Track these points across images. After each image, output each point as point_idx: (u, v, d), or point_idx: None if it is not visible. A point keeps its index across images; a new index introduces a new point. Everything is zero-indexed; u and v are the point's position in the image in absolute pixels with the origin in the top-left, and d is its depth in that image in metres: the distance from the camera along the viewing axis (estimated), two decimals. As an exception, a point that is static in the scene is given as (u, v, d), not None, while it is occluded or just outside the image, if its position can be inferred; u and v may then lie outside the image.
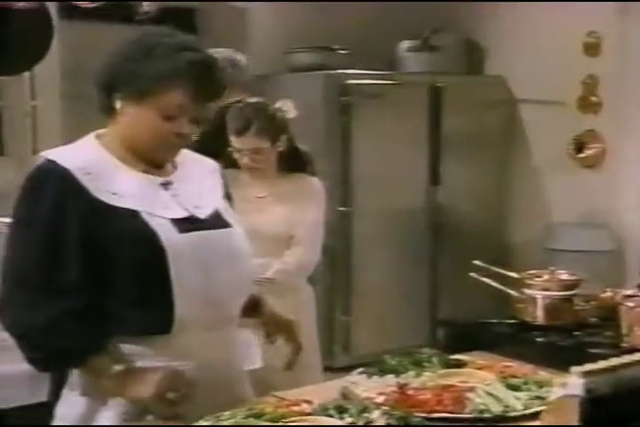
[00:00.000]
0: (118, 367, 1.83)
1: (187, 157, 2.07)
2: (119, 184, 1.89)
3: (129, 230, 1.86)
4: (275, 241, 3.03)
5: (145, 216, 1.88)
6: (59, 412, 1.95)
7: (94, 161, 1.90)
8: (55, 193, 1.84)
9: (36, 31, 3.89)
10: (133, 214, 1.88)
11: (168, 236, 1.87)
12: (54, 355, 1.85)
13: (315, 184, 3.15)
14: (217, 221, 2.00)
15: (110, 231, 1.84)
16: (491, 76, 5.53)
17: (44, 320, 1.81)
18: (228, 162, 3.13)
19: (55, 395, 1.97)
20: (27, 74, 4.35)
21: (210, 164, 2.15)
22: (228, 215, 2.05)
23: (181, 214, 1.94)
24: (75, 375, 1.91)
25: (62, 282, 1.83)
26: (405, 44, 5.31)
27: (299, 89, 4.68)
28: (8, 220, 3.23)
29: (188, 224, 1.92)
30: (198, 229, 1.93)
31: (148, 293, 1.87)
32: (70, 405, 1.92)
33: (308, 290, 3.20)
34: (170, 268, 1.85)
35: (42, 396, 2.68)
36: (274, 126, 3.05)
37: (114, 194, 1.88)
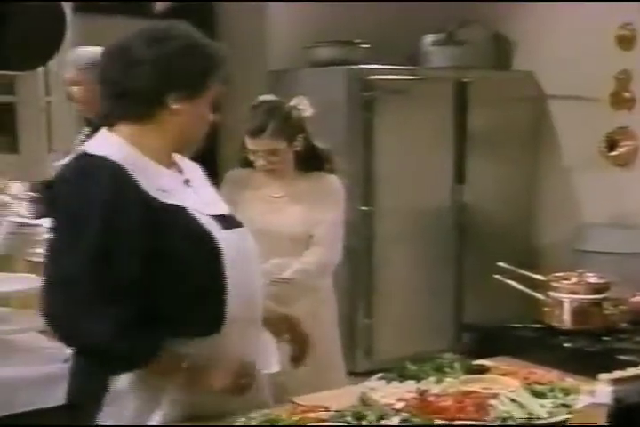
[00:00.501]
0: (187, 364, 1.85)
1: (181, 160, 2.10)
2: (160, 180, 1.92)
3: (184, 228, 1.88)
4: (293, 242, 3.04)
5: (194, 213, 1.91)
6: (106, 413, 1.93)
7: (133, 157, 1.91)
8: (108, 191, 1.82)
9: (48, 26, 3.91)
10: (183, 211, 1.90)
11: (216, 233, 1.91)
12: (123, 359, 1.85)
13: (334, 182, 3.14)
14: (235, 220, 2.05)
15: (166, 230, 1.85)
16: (519, 71, 5.50)
17: (108, 326, 1.79)
18: (243, 161, 3.16)
19: (97, 399, 1.94)
20: (41, 69, 4.38)
21: (197, 166, 2.17)
22: (233, 213, 2.10)
23: (218, 211, 1.99)
24: (125, 378, 1.90)
25: (121, 284, 1.81)
26: (430, 37, 5.29)
27: (319, 85, 4.69)
28: (21, 220, 3.28)
29: (222, 221, 1.97)
30: (232, 227, 1.98)
31: (203, 292, 1.89)
32: (119, 406, 1.91)
33: (329, 291, 3.20)
34: (224, 265, 1.89)
35: (58, 399, 2.72)
36: (289, 126, 3.04)
37: (160, 190, 1.89)
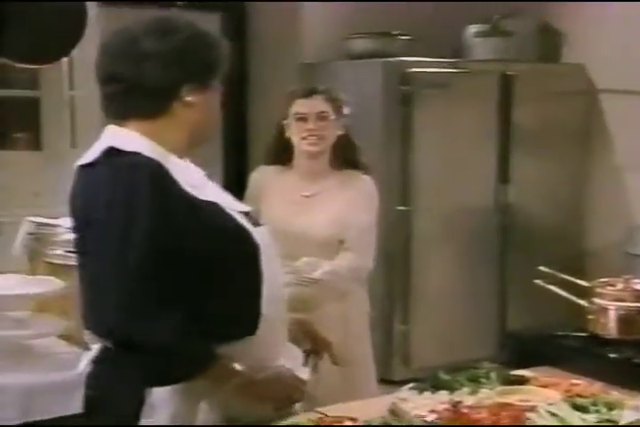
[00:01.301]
0: (241, 368, 1.87)
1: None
2: (190, 176, 1.94)
3: (223, 225, 1.91)
4: (322, 245, 3.02)
5: (228, 210, 1.94)
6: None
7: (163, 153, 1.92)
8: (154, 188, 1.81)
9: (67, 18, 3.94)
10: (219, 208, 1.92)
11: (251, 229, 1.94)
12: (184, 364, 1.84)
13: (368, 183, 3.13)
14: (255, 217, 2.08)
15: (207, 228, 1.88)
16: (568, 64, 5.44)
17: (170, 330, 1.79)
18: (273, 157, 3.15)
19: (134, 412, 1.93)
20: (65, 62, 4.41)
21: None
22: None
23: (246, 208, 2.02)
24: (160, 392, 1.89)
25: (174, 286, 1.82)
26: (473, 28, 5.25)
27: (355, 78, 4.69)
28: (40, 220, 3.31)
29: (249, 218, 2.00)
30: (258, 224, 2.01)
31: (242, 292, 1.91)
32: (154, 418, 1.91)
33: (361, 296, 3.18)
34: (261, 263, 1.92)
35: (76, 407, 2.74)
36: (337, 99, 3.12)
37: (192, 186, 1.91)
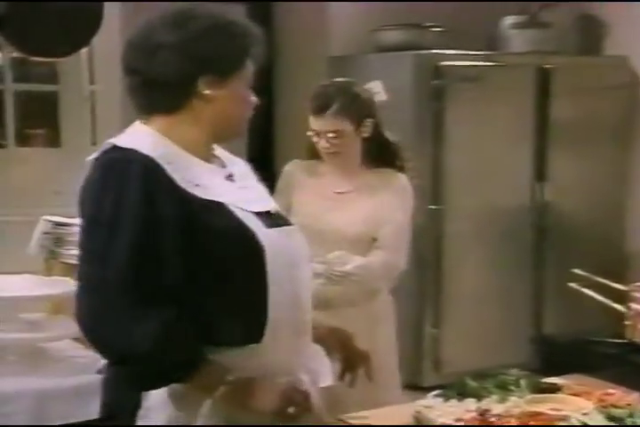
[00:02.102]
0: (231, 377, 1.83)
1: (223, 153, 2.10)
2: (197, 175, 1.91)
3: (224, 226, 1.88)
4: (353, 244, 3.00)
5: (234, 210, 1.90)
6: None
7: (167, 151, 1.91)
8: (140, 187, 1.81)
9: (83, 8, 3.95)
10: (223, 208, 1.90)
11: (260, 231, 1.90)
12: (164, 370, 1.82)
13: (403, 181, 3.11)
14: (282, 217, 2.06)
15: (204, 228, 1.85)
16: (610, 57, 5.41)
17: (149, 334, 1.78)
18: (309, 152, 3.14)
19: (129, 415, 1.93)
20: (85, 56, 4.44)
21: (242, 161, 2.16)
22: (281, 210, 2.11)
23: (263, 207, 1.99)
24: (155, 395, 1.88)
25: (160, 288, 1.81)
26: (509, 20, 5.22)
27: (385, 71, 4.67)
28: (60, 219, 3.33)
29: (268, 219, 1.96)
30: (279, 225, 1.98)
31: (244, 296, 1.89)
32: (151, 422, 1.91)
33: (388, 300, 3.17)
34: (267, 266, 1.88)
35: (91, 413, 2.75)
36: (357, 107, 3.02)
37: (197, 186, 1.89)
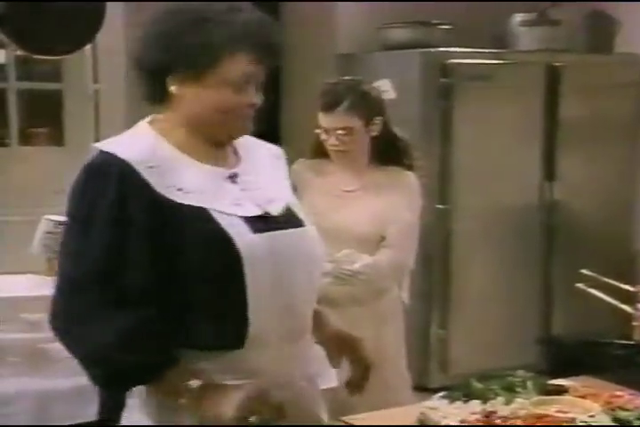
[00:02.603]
0: (195, 383, 1.81)
1: (250, 144, 2.08)
2: (184, 178, 1.89)
3: (198, 231, 1.85)
4: (361, 242, 3.00)
5: (215, 215, 1.88)
6: None
7: (155, 152, 1.90)
8: (115, 190, 1.82)
9: (85, 6, 3.96)
10: (202, 213, 1.87)
11: (242, 237, 1.87)
12: (128, 372, 1.83)
13: (411, 180, 3.11)
14: (290, 219, 2.00)
15: (177, 232, 1.84)
16: (622, 54, 5.39)
17: (114, 334, 1.79)
18: (314, 151, 3.14)
19: (114, 416, 1.95)
20: (88, 54, 4.44)
21: (274, 149, 2.15)
22: (299, 211, 2.05)
23: (254, 212, 1.94)
24: (140, 395, 1.89)
25: (128, 289, 1.81)
26: (518, 17, 5.21)
27: (393, 69, 4.68)
28: (62, 218, 3.33)
29: (261, 223, 1.93)
30: (273, 229, 1.94)
31: (220, 302, 1.86)
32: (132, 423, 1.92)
33: (396, 300, 3.17)
34: (245, 274, 1.85)
35: (92, 415, 2.75)
36: (367, 104, 3.03)
37: (179, 190, 1.87)
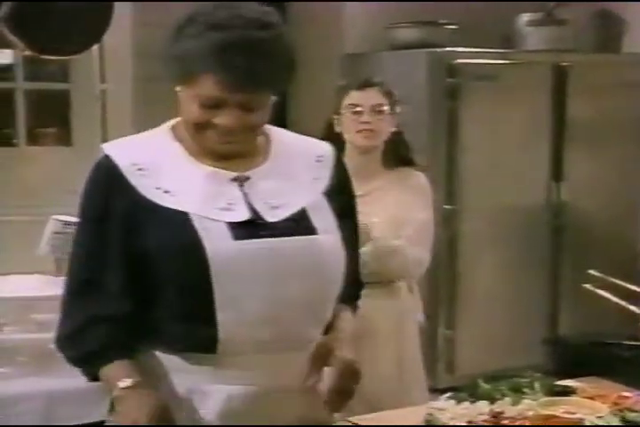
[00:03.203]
0: (125, 382, 1.85)
1: (288, 143, 2.06)
2: (176, 181, 1.91)
3: (170, 235, 1.87)
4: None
5: (194, 219, 1.87)
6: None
7: (155, 154, 1.94)
8: (101, 192, 1.93)
9: (93, 6, 3.96)
10: (181, 217, 1.87)
11: (217, 243, 1.85)
12: (79, 358, 1.95)
13: (422, 180, 3.15)
14: (296, 226, 1.94)
15: (151, 235, 1.87)
16: (629, 54, 5.38)
17: (77, 324, 1.92)
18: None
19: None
20: (96, 55, 4.45)
21: (321, 151, 2.11)
22: (321, 217, 1.98)
23: (242, 217, 1.90)
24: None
25: (104, 286, 1.90)
26: (525, 17, 5.19)
27: (399, 69, 4.66)
28: (70, 218, 3.33)
29: (251, 229, 1.89)
30: (262, 236, 1.89)
31: (189, 305, 1.88)
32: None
33: (412, 299, 3.19)
34: (213, 279, 1.84)
35: (100, 414, 2.76)
36: (392, 92, 3.13)
37: (166, 192, 1.89)
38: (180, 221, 1.87)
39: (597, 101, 5.03)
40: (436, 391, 3.63)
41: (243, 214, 1.91)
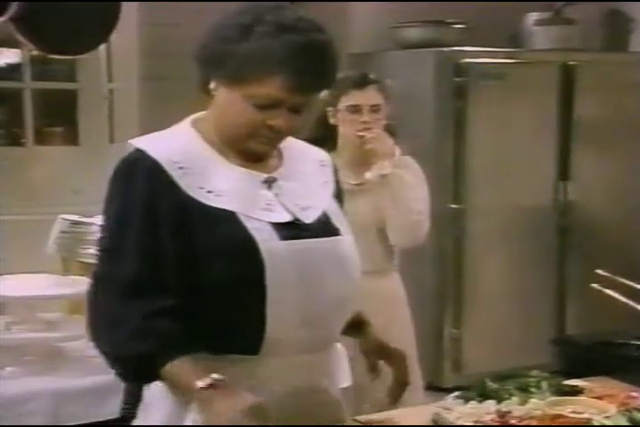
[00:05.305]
0: (205, 380, 1.76)
1: (295, 148, 2.05)
2: (215, 181, 1.88)
3: (224, 235, 1.84)
4: (379, 231, 3.11)
5: (242, 219, 1.86)
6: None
7: (189, 152, 1.89)
8: (143, 189, 1.83)
9: (100, 6, 3.97)
10: (230, 216, 1.86)
11: (268, 243, 1.85)
12: (145, 357, 1.79)
13: (411, 161, 3.20)
14: (324, 227, 1.96)
15: (204, 235, 1.83)
16: (636, 53, 5.40)
17: (134, 324, 1.78)
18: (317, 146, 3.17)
19: (131, 412, 1.98)
20: (103, 54, 4.46)
21: (321, 156, 2.12)
22: (337, 219, 2.01)
23: (285, 218, 1.91)
24: (155, 390, 1.89)
25: (159, 284, 1.81)
26: (533, 16, 5.22)
27: (407, 68, 4.68)
28: (77, 217, 3.35)
29: (291, 230, 1.90)
30: (303, 237, 1.90)
31: (239, 306, 1.85)
32: (148, 422, 1.92)
33: (398, 279, 3.21)
34: (267, 280, 1.83)
35: (109, 413, 2.77)
36: (388, 87, 3.17)
37: (209, 192, 1.86)
38: (231, 220, 1.85)
39: (605, 100, 5.04)
40: (443, 391, 3.65)
41: (283, 215, 1.92)
